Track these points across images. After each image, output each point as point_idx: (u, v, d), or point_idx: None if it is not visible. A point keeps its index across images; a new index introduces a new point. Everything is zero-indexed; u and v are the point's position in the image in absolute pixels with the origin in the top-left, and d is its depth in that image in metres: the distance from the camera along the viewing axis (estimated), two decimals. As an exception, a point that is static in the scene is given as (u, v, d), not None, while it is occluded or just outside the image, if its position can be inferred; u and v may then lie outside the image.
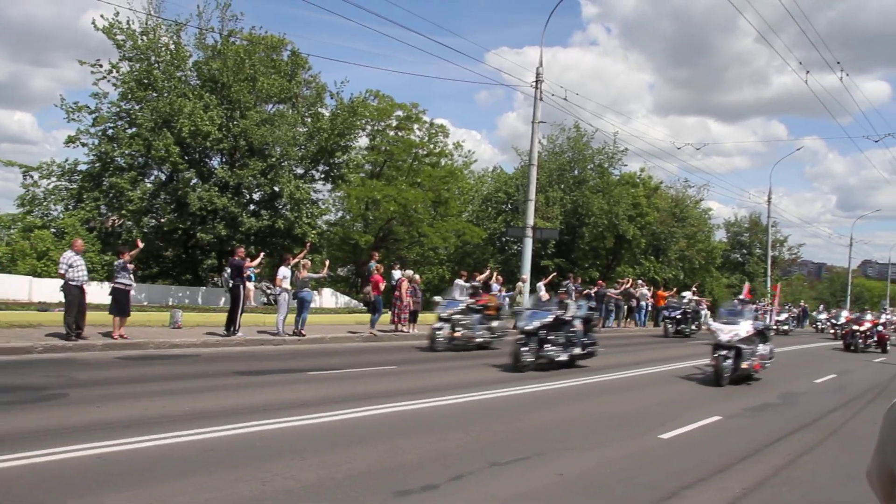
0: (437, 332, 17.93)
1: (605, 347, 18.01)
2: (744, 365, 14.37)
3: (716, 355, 14.16)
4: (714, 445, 8.86)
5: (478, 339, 18.44)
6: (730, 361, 14.05)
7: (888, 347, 28.58)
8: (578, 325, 15.60)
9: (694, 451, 8.52)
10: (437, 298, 20.47)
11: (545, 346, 14.62)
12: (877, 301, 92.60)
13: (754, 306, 18.36)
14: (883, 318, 33.13)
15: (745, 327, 14.46)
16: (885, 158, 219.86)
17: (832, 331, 39.12)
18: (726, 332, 14.26)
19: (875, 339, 28.64)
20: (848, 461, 8.71)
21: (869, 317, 30.36)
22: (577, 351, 15.44)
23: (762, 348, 15.49)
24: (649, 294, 33.43)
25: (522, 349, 14.29)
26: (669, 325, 29.76)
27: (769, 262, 57.39)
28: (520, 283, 28.38)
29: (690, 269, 50.10)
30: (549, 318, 14.74)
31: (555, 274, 32.51)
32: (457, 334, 18.12)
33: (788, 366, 19.82)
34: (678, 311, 30.13)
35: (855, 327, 28.70)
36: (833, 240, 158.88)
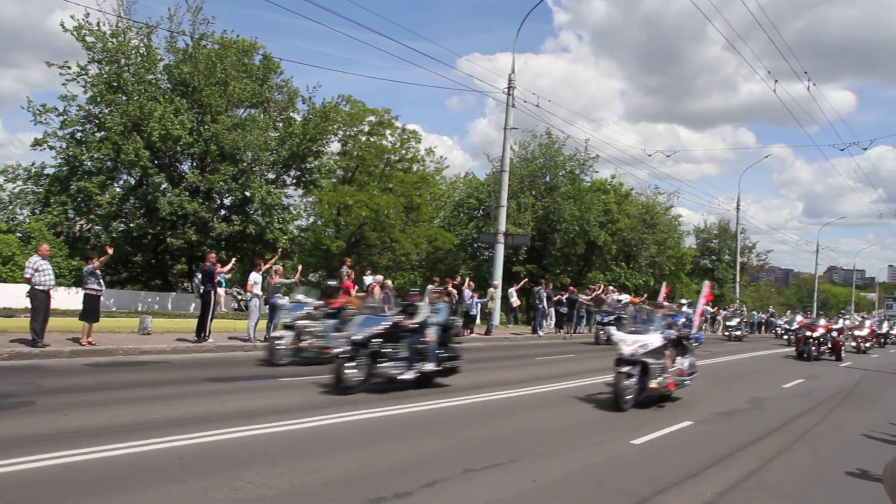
0: (278, 342, 14.85)
1: (513, 357, 18.09)
2: (652, 383, 11.64)
3: (617, 372, 11.58)
4: (686, 450, 8.92)
5: (337, 350, 12.46)
6: (633, 380, 11.42)
7: (843, 355, 27.33)
8: (432, 334, 12.57)
9: (666, 456, 8.57)
10: (283, 301, 16.82)
11: (380, 360, 11.65)
12: (842, 306, 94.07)
13: (666, 311, 14.42)
14: (839, 324, 33.03)
15: (653, 338, 11.90)
16: (850, 167, 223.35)
17: (785, 336, 38.33)
18: (630, 344, 11.72)
19: (829, 345, 26.87)
20: (816, 465, 8.82)
21: (823, 322, 28.40)
22: (430, 367, 12.33)
23: (680, 363, 12.96)
24: (623, 300, 33.62)
25: (347, 365, 11.19)
26: (601, 332, 26.40)
27: (738, 268, 58.12)
28: (491, 290, 28.44)
29: (660, 276, 50.46)
30: (384, 326, 11.88)
31: (526, 280, 32.64)
32: (303, 344, 14.99)
33: (715, 380, 16.83)
34: (612, 317, 26.36)
35: (808, 333, 26.65)
36: (800, 246, 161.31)
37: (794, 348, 28.23)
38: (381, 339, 11.70)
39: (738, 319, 40.20)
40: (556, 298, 29.79)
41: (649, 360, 11.59)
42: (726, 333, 38.90)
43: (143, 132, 26.91)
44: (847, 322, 37.10)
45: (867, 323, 38.82)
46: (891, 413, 13.72)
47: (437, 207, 47.87)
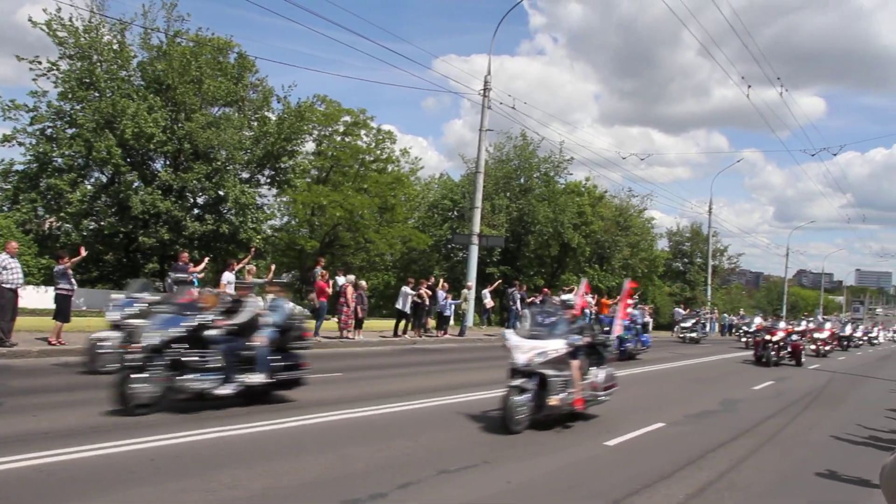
0: (100, 345, 12.25)
1: (487, 358, 18.12)
2: (552, 400, 9.49)
3: (508, 386, 9.53)
4: (658, 452, 9.00)
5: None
6: (528, 395, 9.34)
7: (803, 359, 25.85)
8: (262, 338, 10.10)
9: (639, 457, 8.64)
10: (115, 296, 14.30)
11: (182, 371, 9.20)
12: (811, 309, 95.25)
13: (572, 309, 11.58)
14: (802, 325, 32.43)
15: (554, 344, 9.73)
16: (820, 172, 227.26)
17: (743, 339, 36.64)
18: (525, 351, 9.57)
19: (789, 350, 25.58)
20: (786, 466, 8.94)
21: (782, 325, 26.92)
22: (257, 379, 9.90)
23: (594, 375, 10.73)
24: (593, 302, 33.67)
25: (133, 378, 8.79)
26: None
27: (710, 271, 58.61)
28: (465, 291, 28.47)
29: (633, 278, 50.78)
30: (186, 327, 9.40)
31: (500, 281, 32.72)
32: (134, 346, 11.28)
33: (644, 398, 14.43)
34: (552, 318, 25.73)
35: (767, 337, 24.92)
36: (770, 250, 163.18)
37: (753, 352, 26.56)
38: (184, 345, 9.34)
39: (693, 321, 38.31)
40: (529, 300, 29.88)
41: (549, 372, 9.48)
42: (680, 336, 37.19)
43: (116, 129, 26.59)
44: (809, 324, 35.74)
45: (827, 325, 36.18)
46: (858, 414, 13.93)
47: (411, 208, 47.86)
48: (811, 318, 40.64)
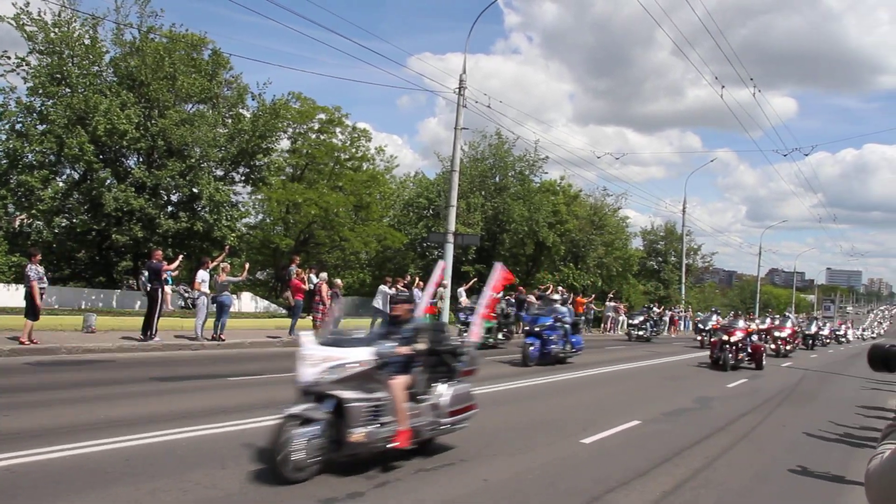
0: None
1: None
2: (354, 435, 6.56)
3: (286, 414, 6.60)
4: (634, 449, 9.04)
5: None
6: (315, 428, 6.48)
7: (764, 362, 22.94)
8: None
9: (615, 455, 8.68)
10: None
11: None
12: (783, 308, 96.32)
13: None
14: (766, 323, 31.80)
15: (356, 353, 6.82)
16: (791, 171, 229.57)
17: (698, 338, 33.69)
18: (314, 363, 6.73)
19: (748, 352, 22.60)
20: (760, 463, 9.02)
21: (741, 324, 23.30)
22: None
23: (437, 395, 7.73)
24: (569, 301, 33.75)
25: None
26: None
27: (683, 269, 59.02)
28: (440, 289, 28.43)
29: (608, 276, 51.12)
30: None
31: (475, 280, 32.71)
32: None
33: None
34: (548, 319, 21.74)
35: (724, 337, 21.93)
36: (743, 249, 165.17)
37: (709, 353, 23.22)
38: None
39: (642, 317, 35.54)
40: (504, 298, 29.91)
41: (347, 394, 6.64)
42: (628, 334, 35.10)
43: (88, 126, 26.33)
44: (774, 322, 34.35)
45: (788, 323, 33.58)
46: (830, 411, 14.10)
47: (386, 206, 47.77)
48: (776, 316, 39.61)
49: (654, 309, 41.44)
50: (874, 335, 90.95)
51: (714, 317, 33.99)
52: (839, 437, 11.13)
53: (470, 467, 7.45)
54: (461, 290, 29.59)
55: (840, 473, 8.57)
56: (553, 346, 18.77)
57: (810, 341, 40.09)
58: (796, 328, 35.35)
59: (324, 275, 22.32)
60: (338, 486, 6.37)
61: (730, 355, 21.39)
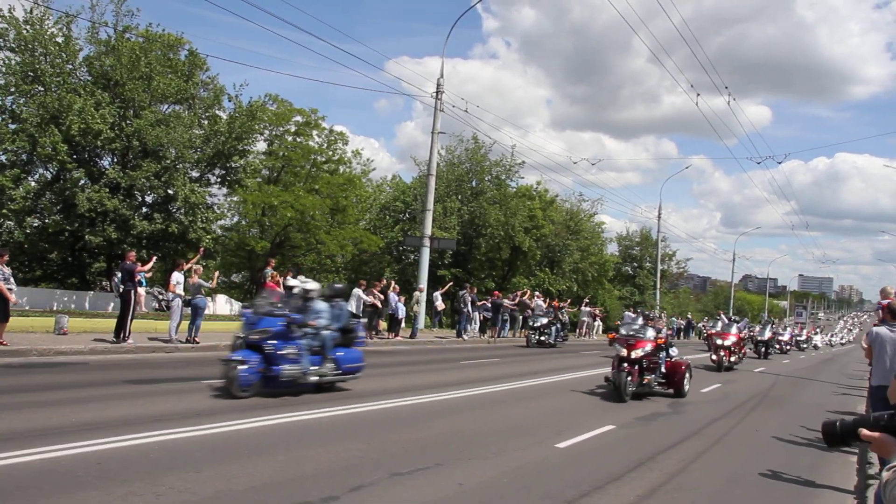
0: None
1: (438, 360, 18.03)
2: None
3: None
4: (609, 454, 9.10)
5: None
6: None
7: (687, 386, 15.59)
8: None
9: (589, 459, 8.73)
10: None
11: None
12: (756, 314, 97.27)
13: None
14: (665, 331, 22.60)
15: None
16: (765, 179, 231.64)
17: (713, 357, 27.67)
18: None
19: (663, 372, 15.25)
20: (733, 466, 9.13)
21: (650, 333, 14.86)
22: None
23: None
24: (544, 305, 33.83)
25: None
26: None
27: (658, 275, 59.41)
28: (417, 293, 28.46)
29: (584, 282, 51.33)
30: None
31: (451, 284, 32.76)
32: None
33: None
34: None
35: (623, 352, 14.10)
36: (717, 255, 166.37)
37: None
38: (276, 340, 10.96)
39: (546, 319, 29.28)
40: (480, 303, 30.00)
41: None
42: (529, 338, 28.72)
43: (62, 125, 26.07)
44: (712, 328, 29.36)
45: (733, 329, 25.79)
46: (801, 416, 14.26)
47: (362, 210, 47.71)
48: (717, 319, 32.58)
49: (630, 314, 41.61)
50: (843, 341, 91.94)
51: (629, 313, 34.68)
52: (810, 442, 11.27)
53: (445, 471, 7.46)
54: (437, 294, 29.62)
55: (810, 477, 8.69)
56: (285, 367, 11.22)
57: (763, 348, 33.84)
58: (743, 334, 28.53)
59: (301, 278, 22.25)
60: (312, 490, 6.36)
61: (628, 378, 13.94)
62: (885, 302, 9.75)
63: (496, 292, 33.09)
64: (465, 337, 27.92)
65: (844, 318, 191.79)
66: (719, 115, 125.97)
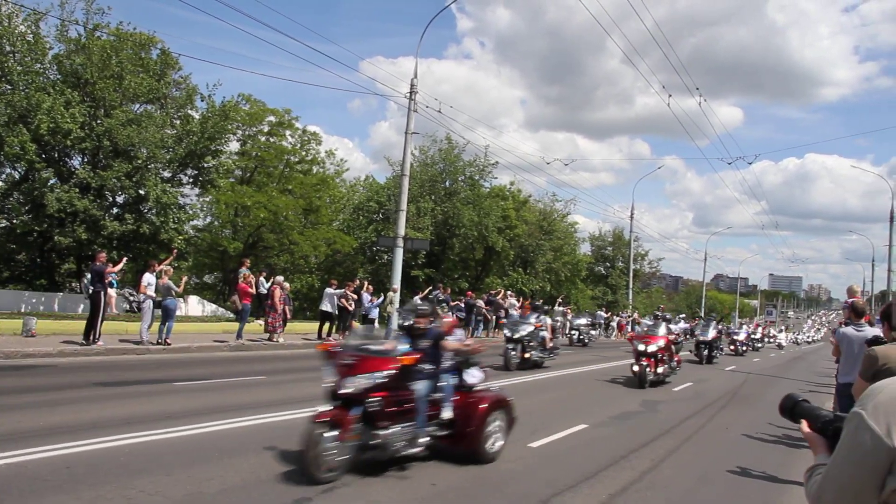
0: None
1: None
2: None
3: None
4: (582, 453, 9.16)
5: None
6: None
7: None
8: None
9: (563, 458, 8.78)
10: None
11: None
12: (727, 313, 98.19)
13: None
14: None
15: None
16: (736, 179, 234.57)
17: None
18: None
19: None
20: (704, 464, 9.25)
21: (455, 336, 8.70)
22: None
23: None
24: (518, 305, 33.90)
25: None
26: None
27: (631, 275, 59.79)
28: (391, 293, 28.43)
29: (557, 281, 51.55)
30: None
31: (430, 290, 32.77)
32: None
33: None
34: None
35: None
36: (689, 254, 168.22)
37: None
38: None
39: (530, 327, 19.85)
40: (453, 303, 30.04)
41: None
42: (508, 356, 19.24)
43: (30, 124, 25.72)
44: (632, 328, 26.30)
45: (660, 331, 19.22)
46: (770, 414, 14.44)
47: (336, 210, 47.62)
48: (629, 316, 30.70)
49: (602, 314, 41.82)
50: (809, 340, 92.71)
51: (511, 298, 32.83)
52: (778, 439, 11.42)
53: (417, 472, 7.46)
54: (416, 298, 29.60)
55: (779, 474, 8.81)
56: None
57: (705, 351, 28.16)
58: (673, 336, 20.78)
59: (279, 278, 22.25)
60: (285, 492, 6.36)
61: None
62: (850, 300, 9.92)
63: (469, 292, 33.15)
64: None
65: (812, 318, 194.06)
66: (691, 115, 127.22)
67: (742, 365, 29.11)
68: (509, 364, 18.54)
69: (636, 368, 17.66)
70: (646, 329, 22.00)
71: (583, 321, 35.88)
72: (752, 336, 43.88)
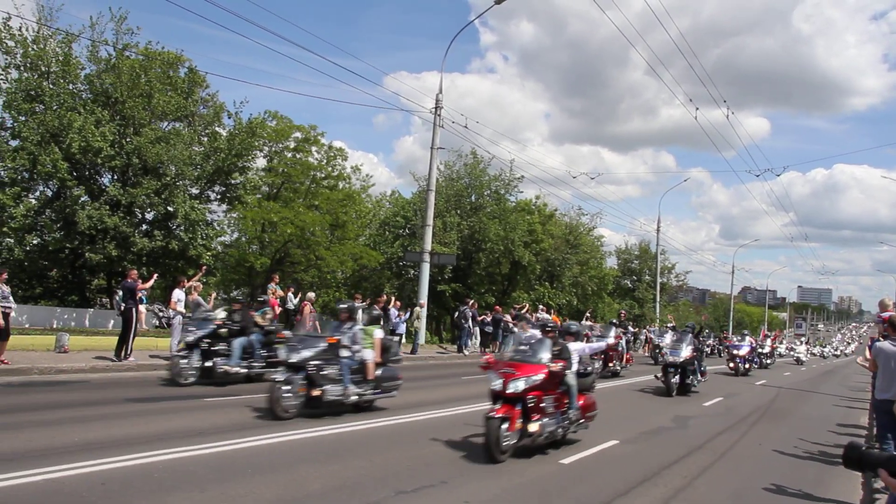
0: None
1: (439, 376, 18.09)
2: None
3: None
4: (613, 469, 9.08)
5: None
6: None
7: None
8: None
9: (594, 475, 8.71)
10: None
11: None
12: (756, 325, 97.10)
13: None
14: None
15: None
16: (763, 191, 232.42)
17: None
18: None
19: None
20: (737, 481, 9.13)
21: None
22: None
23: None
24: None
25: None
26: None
27: (658, 288, 59.36)
28: (417, 308, 28.43)
29: (583, 295, 51.30)
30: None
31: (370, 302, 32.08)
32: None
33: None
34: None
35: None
36: (716, 267, 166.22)
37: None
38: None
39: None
40: (480, 318, 29.98)
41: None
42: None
43: (62, 143, 26.12)
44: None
45: (574, 348, 10.77)
46: (804, 429, 14.25)
47: (362, 225, 47.74)
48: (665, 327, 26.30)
49: (630, 328, 41.46)
50: (837, 353, 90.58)
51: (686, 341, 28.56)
52: (813, 456, 11.26)
53: (450, 489, 7.42)
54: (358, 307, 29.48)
55: (815, 492, 8.66)
56: None
57: (675, 378, 19.04)
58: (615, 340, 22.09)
59: (311, 295, 22.34)
60: (318, 509, 6.35)
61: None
62: (885, 315, 9.75)
63: (497, 307, 33.08)
64: (466, 352, 27.87)
65: (842, 331, 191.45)
66: (717, 127, 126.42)
67: (773, 379, 28.60)
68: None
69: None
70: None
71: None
72: (760, 350, 35.52)
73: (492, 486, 7.72)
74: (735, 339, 35.45)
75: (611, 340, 22.14)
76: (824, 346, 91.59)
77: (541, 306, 35.88)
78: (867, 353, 9.55)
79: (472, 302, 30.54)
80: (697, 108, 35.36)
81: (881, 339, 9.27)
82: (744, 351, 30.09)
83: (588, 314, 40.30)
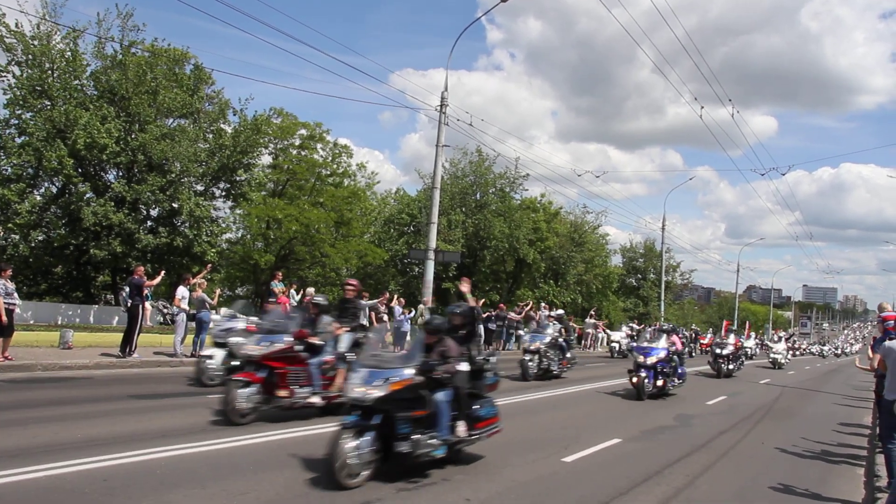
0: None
1: None
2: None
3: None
4: (616, 468, 9.05)
5: None
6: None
7: None
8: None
9: (596, 473, 8.69)
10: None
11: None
12: (761, 324, 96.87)
13: None
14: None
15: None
16: (769, 190, 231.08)
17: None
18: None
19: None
20: (741, 480, 9.09)
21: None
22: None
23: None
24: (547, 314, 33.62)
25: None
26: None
27: (663, 286, 59.21)
28: (421, 306, 28.40)
29: (588, 294, 51.22)
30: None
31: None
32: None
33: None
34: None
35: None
36: (721, 266, 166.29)
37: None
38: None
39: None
40: (485, 315, 29.96)
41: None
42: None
43: (68, 139, 26.18)
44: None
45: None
46: (807, 428, 14.22)
47: (367, 223, 47.75)
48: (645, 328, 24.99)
49: (634, 326, 41.35)
50: (838, 352, 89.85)
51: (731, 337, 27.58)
52: (817, 455, 11.23)
53: (452, 487, 7.42)
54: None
55: (819, 490, 8.63)
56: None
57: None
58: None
59: (311, 290, 22.30)
60: (320, 506, 6.35)
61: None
62: (886, 314, 9.75)
63: (501, 305, 33.04)
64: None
65: (846, 331, 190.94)
66: (724, 126, 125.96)
67: (777, 377, 28.40)
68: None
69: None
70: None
71: (622, 334, 35.16)
72: (742, 348, 31.73)
73: (493, 484, 7.70)
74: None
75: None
76: (823, 345, 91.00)
77: (543, 304, 35.83)
78: (869, 353, 9.49)
79: (475, 298, 30.48)
80: (703, 107, 35.15)
81: (888, 339, 9.20)
82: (728, 350, 27.04)
83: (592, 312, 40.25)
